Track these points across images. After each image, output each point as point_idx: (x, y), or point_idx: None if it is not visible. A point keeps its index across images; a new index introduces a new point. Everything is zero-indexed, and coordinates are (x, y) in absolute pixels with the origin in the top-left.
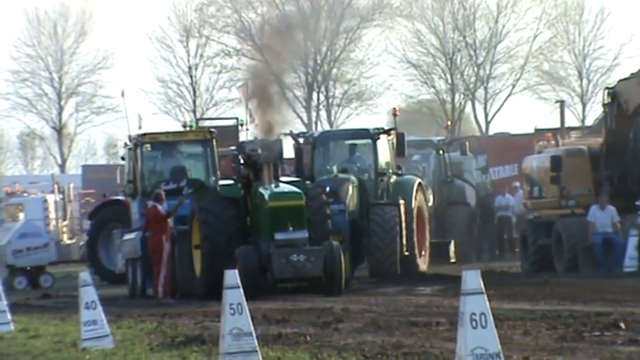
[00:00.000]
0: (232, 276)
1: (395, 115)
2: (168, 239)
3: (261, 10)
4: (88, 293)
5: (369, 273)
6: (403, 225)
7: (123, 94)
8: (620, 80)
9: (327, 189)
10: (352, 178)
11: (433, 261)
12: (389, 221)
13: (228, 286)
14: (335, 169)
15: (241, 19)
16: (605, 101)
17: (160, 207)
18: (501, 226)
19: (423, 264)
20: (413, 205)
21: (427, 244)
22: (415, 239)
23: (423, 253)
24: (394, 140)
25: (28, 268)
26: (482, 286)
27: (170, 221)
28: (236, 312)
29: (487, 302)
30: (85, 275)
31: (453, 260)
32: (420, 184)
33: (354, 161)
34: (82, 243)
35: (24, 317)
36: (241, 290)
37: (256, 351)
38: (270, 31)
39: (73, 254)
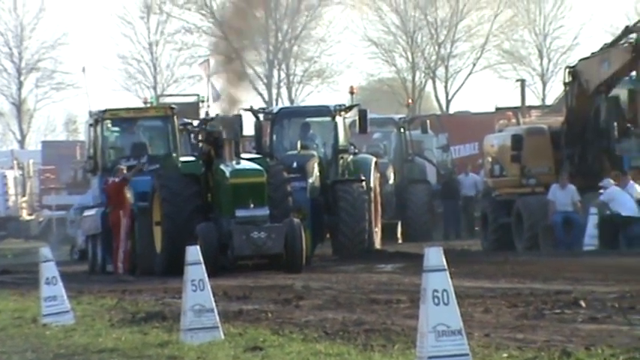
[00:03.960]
0: (194, 252)
1: (352, 93)
2: (127, 215)
3: None
4: (49, 269)
5: (333, 250)
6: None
7: (84, 70)
8: (581, 59)
9: (294, 165)
10: (315, 154)
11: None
12: (358, 198)
13: (190, 262)
14: (299, 145)
15: None
16: (566, 80)
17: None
18: (466, 205)
19: (377, 242)
20: (372, 184)
21: (379, 223)
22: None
23: (376, 231)
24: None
25: None
26: (445, 263)
27: (129, 197)
28: (197, 288)
29: (449, 279)
30: (45, 251)
31: (399, 241)
32: (376, 162)
33: (312, 138)
34: (40, 219)
35: None
36: (203, 267)
37: (218, 327)
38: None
39: (32, 230)
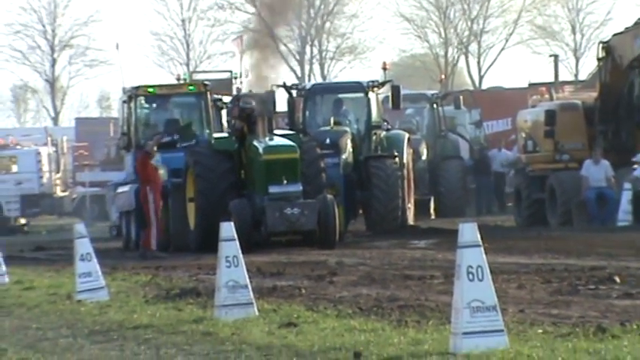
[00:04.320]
0: (228, 228)
1: (384, 69)
2: (156, 190)
3: None
4: (83, 245)
5: (366, 226)
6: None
7: (118, 47)
8: (615, 34)
9: (327, 141)
10: (348, 130)
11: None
12: (392, 174)
13: (224, 238)
14: (332, 121)
15: None
16: (600, 55)
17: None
18: (497, 181)
19: (410, 219)
20: (405, 160)
21: (412, 199)
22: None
23: (409, 207)
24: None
25: None
26: (479, 238)
27: (163, 173)
28: (232, 264)
29: (484, 255)
30: (80, 227)
31: (432, 217)
32: (408, 138)
33: (345, 114)
34: (74, 196)
35: (18, 269)
36: (237, 243)
37: (252, 303)
38: None
39: (65, 207)
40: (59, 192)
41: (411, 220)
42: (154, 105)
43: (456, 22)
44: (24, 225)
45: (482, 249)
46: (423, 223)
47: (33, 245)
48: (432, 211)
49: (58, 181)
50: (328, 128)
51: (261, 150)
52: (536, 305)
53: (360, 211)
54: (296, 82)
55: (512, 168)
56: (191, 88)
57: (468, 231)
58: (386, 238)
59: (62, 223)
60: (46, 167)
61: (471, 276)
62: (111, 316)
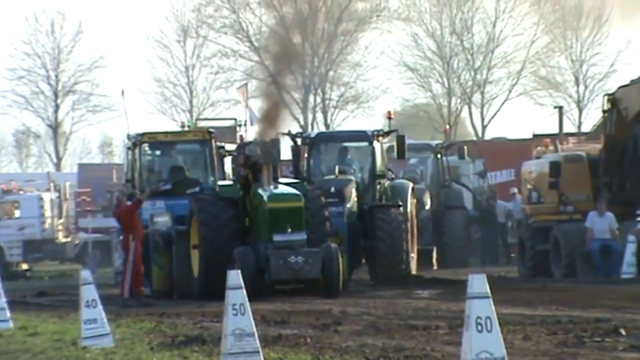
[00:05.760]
0: (235, 276)
1: (389, 118)
2: (138, 238)
3: (259, 12)
4: (89, 291)
5: (370, 275)
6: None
7: (123, 94)
8: (620, 87)
9: (332, 189)
10: (353, 179)
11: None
12: (397, 227)
13: (232, 286)
14: (337, 169)
15: (239, 19)
16: (605, 107)
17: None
18: (501, 231)
19: (413, 268)
20: (408, 210)
21: (415, 248)
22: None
23: (412, 256)
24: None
25: None
26: (489, 290)
27: (167, 220)
28: (238, 312)
29: (493, 306)
30: (85, 273)
31: (435, 267)
32: (412, 188)
33: (349, 163)
34: (77, 242)
35: (22, 315)
36: (244, 291)
37: (258, 352)
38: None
39: (67, 252)
40: (61, 237)
41: (413, 270)
42: (159, 152)
43: (460, 72)
44: (27, 270)
45: (491, 300)
46: (426, 272)
47: (36, 291)
48: (434, 261)
49: (60, 227)
50: (333, 177)
51: (265, 198)
52: (543, 357)
53: (363, 260)
54: (299, 130)
55: (512, 220)
56: (196, 135)
57: (478, 282)
58: (389, 288)
59: (64, 268)
60: (48, 213)
61: (479, 327)
62: None
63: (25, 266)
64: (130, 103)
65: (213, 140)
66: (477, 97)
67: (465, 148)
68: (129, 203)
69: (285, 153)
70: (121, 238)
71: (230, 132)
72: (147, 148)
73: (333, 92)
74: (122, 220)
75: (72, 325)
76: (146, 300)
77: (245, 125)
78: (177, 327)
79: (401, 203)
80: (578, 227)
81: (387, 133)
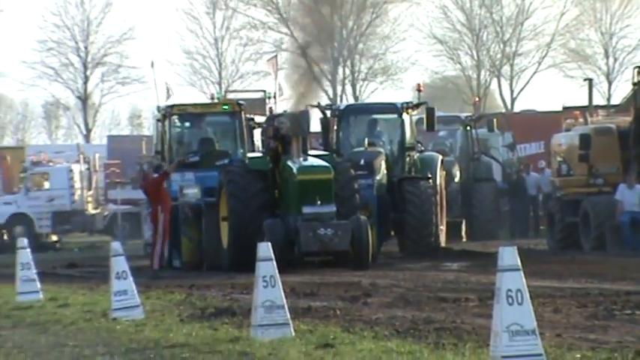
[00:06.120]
0: (265, 248)
1: (419, 90)
2: (166, 210)
3: None
4: (119, 263)
5: (399, 247)
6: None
7: (152, 65)
8: None
9: (361, 162)
10: (382, 151)
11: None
12: (426, 200)
13: (262, 258)
14: (366, 142)
15: None
16: (635, 80)
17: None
18: (533, 204)
19: (442, 240)
20: (437, 182)
21: (444, 221)
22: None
23: (441, 229)
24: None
25: None
26: (519, 262)
27: (197, 192)
28: (269, 284)
29: (523, 279)
30: (116, 245)
31: (464, 239)
32: (442, 160)
33: (379, 135)
34: (106, 213)
35: (52, 286)
36: (274, 263)
37: (288, 324)
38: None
39: (97, 224)
40: (91, 209)
41: (443, 242)
42: (188, 124)
43: (489, 44)
44: (56, 242)
45: (521, 273)
46: (455, 245)
47: (65, 262)
48: (463, 233)
49: (89, 199)
50: (362, 149)
51: (295, 170)
52: (573, 330)
53: (392, 233)
54: (328, 102)
55: (541, 192)
56: (225, 107)
57: (508, 255)
58: (418, 260)
59: (93, 240)
60: (78, 184)
61: (510, 300)
62: (147, 335)
63: (54, 237)
64: (159, 75)
65: (242, 112)
66: (506, 69)
67: (495, 120)
68: (155, 175)
69: (315, 125)
70: (150, 210)
71: (259, 104)
72: (176, 120)
73: (362, 64)
74: (149, 193)
75: (102, 296)
76: (158, 273)
77: (274, 97)
78: (206, 299)
79: (430, 176)
80: (608, 200)
81: (417, 106)
